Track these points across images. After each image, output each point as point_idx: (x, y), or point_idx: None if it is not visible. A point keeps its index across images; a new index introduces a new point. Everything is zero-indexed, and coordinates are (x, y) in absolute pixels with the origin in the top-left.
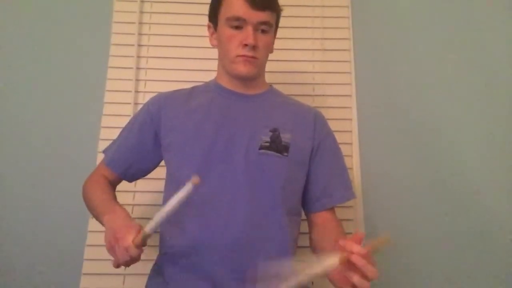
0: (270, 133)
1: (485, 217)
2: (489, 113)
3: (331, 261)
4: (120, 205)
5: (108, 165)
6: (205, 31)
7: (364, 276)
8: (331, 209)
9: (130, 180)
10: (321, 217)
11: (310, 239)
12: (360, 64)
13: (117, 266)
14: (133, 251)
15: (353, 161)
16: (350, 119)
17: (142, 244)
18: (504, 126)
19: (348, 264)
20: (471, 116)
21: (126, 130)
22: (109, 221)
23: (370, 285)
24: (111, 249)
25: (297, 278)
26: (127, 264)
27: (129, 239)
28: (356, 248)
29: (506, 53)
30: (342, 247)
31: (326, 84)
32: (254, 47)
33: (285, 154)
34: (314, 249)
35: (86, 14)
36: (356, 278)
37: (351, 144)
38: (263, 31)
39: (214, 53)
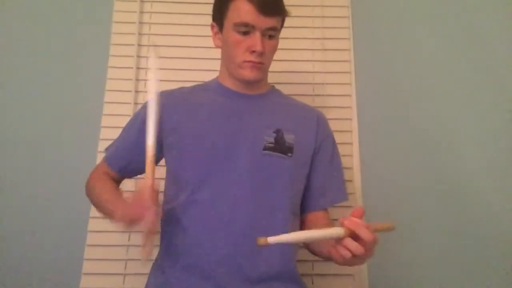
0: (274, 134)
1: (485, 217)
2: (490, 113)
3: (336, 231)
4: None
5: (107, 162)
6: (205, 31)
7: (363, 243)
8: (325, 209)
9: (130, 176)
10: (314, 216)
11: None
12: (360, 63)
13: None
14: (152, 207)
15: (353, 161)
16: (350, 119)
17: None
18: (505, 127)
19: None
20: (473, 116)
21: (126, 128)
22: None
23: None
24: (129, 214)
25: (302, 234)
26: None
27: (147, 194)
28: (356, 220)
29: (508, 53)
30: (342, 222)
31: (326, 84)
32: (261, 53)
33: (289, 154)
34: (309, 247)
35: (86, 14)
36: (352, 243)
37: (351, 144)
38: (270, 37)
39: (214, 53)
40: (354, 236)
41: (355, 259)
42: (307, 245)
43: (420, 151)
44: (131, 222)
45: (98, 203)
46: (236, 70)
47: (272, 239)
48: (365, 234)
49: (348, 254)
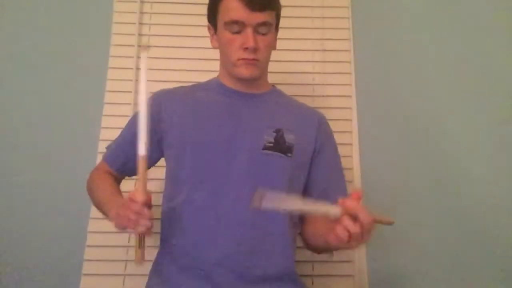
0: (274, 134)
1: (486, 218)
2: (491, 115)
3: (335, 209)
4: None
5: (105, 160)
6: (205, 32)
7: (360, 224)
8: None
9: (129, 175)
10: (317, 218)
11: (303, 233)
12: (360, 64)
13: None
14: (145, 211)
15: (353, 161)
16: (350, 120)
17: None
18: (506, 127)
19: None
20: (473, 117)
21: (126, 127)
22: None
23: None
24: (121, 219)
25: (301, 204)
26: (141, 230)
27: (139, 198)
28: (354, 202)
29: (509, 54)
30: (342, 202)
31: (326, 84)
32: (255, 50)
33: (289, 155)
34: (308, 241)
35: (86, 14)
36: (349, 222)
37: (351, 144)
38: (263, 33)
39: (214, 53)
40: (352, 218)
41: (351, 242)
42: (305, 239)
43: (420, 151)
44: (122, 227)
45: (97, 203)
46: (232, 68)
47: (267, 202)
48: (363, 215)
49: (345, 234)
